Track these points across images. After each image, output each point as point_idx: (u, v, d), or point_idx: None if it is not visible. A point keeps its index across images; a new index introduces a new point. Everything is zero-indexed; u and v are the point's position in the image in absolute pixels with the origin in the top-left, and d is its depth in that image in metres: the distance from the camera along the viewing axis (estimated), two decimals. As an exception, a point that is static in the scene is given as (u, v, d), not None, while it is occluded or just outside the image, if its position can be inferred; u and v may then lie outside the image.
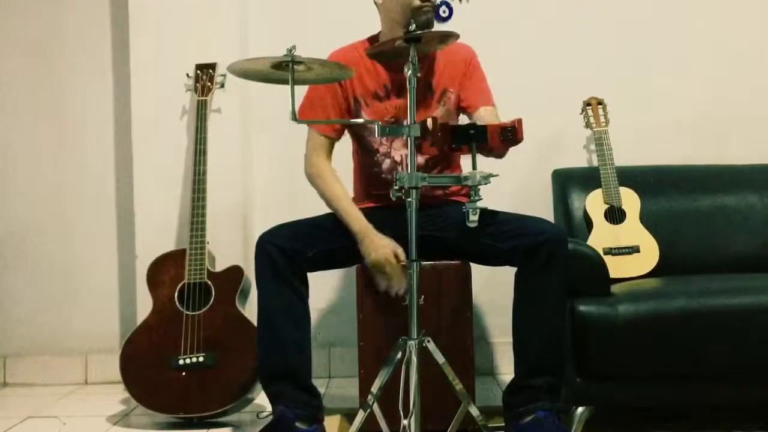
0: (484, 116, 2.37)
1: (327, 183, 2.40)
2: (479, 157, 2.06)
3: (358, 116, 2.43)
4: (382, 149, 2.45)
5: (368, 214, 2.36)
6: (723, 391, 2.31)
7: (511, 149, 2.24)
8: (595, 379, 2.28)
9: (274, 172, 3.27)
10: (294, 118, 1.94)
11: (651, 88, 3.25)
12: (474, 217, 1.98)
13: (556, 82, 3.22)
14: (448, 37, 2.02)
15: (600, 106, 3.05)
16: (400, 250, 2.24)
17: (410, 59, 1.95)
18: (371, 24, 2.49)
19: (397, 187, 1.96)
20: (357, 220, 2.33)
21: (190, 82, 3.02)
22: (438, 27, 3.19)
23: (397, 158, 2.43)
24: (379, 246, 2.27)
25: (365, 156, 2.49)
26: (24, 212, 3.33)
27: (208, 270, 2.72)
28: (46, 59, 3.32)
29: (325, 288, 3.23)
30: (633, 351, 2.24)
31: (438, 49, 2.28)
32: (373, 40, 2.49)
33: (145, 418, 2.70)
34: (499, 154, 2.34)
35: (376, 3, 2.45)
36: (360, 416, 2.03)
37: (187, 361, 2.61)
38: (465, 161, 2.43)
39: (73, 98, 3.32)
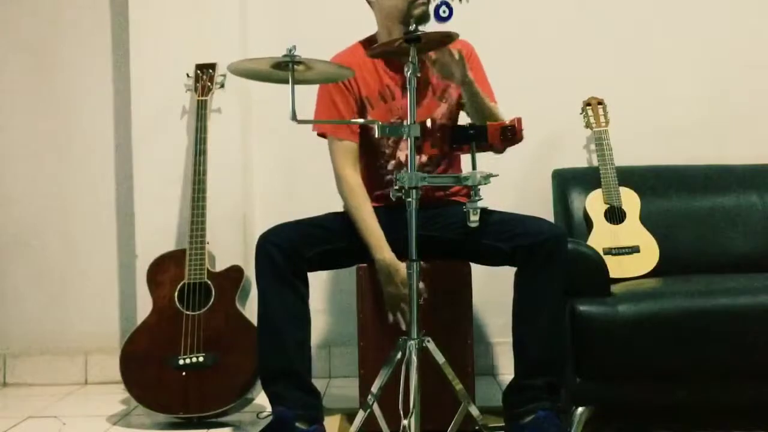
0: (476, 85, 2.32)
1: (357, 203, 2.35)
2: (479, 157, 2.07)
3: (363, 118, 2.42)
4: (388, 151, 2.45)
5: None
6: (723, 391, 2.31)
7: (511, 149, 2.24)
8: (595, 379, 2.28)
9: (274, 172, 3.27)
10: (294, 118, 1.94)
11: (651, 88, 3.25)
12: (475, 217, 1.98)
13: (556, 82, 3.22)
14: (448, 38, 2.02)
15: (600, 106, 3.05)
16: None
17: (410, 59, 1.95)
18: (371, 24, 2.49)
19: (397, 187, 1.96)
20: (382, 250, 2.29)
21: (190, 82, 3.02)
22: (438, 27, 3.18)
23: (403, 159, 2.42)
24: (401, 283, 2.26)
25: (371, 158, 2.48)
26: (24, 212, 3.33)
27: (208, 270, 2.72)
28: (46, 59, 3.32)
29: (325, 288, 3.23)
30: (633, 351, 2.24)
31: (438, 48, 2.28)
32: (369, 41, 2.48)
33: (145, 418, 2.70)
34: (498, 149, 2.34)
35: (369, 2, 2.45)
36: (360, 416, 2.03)
37: (187, 361, 2.61)
38: (465, 161, 2.43)
39: (73, 98, 3.32)
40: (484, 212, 2.01)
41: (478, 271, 2.42)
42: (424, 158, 2.43)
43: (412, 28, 2.01)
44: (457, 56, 2.19)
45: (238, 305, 2.71)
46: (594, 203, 2.86)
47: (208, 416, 2.61)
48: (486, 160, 2.13)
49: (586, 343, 2.26)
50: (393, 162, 2.45)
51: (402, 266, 2.25)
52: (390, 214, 2.30)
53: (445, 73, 2.25)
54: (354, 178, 2.39)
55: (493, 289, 2.75)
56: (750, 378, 2.29)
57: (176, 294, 2.70)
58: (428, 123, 2.12)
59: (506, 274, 2.28)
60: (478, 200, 1.99)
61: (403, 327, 2.26)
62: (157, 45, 3.06)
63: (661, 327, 2.24)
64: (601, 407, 2.34)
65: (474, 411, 2.04)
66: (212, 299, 2.69)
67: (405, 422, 1.94)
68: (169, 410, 2.61)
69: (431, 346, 1.99)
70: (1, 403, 3.04)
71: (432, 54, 2.19)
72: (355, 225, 2.34)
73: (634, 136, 3.15)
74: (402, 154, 2.43)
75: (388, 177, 2.42)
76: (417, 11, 2.32)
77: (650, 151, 3.13)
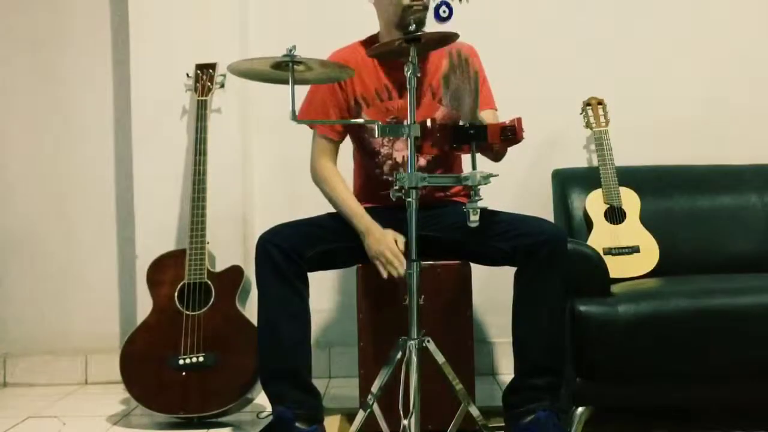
0: (484, 119, 2.33)
1: (332, 185, 2.41)
2: (479, 157, 2.07)
3: (358, 118, 2.42)
4: (384, 150, 2.45)
5: (369, 214, 2.36)
6: (723, 391, 2.31)
7: (511, 149, 2.24)
8: (595, 379, 2.28)
9: (274, 172, 3.27)
10: (294, 118, 1.94)
11: (651, 88, 3.25)
12: (475, 217, 1.98)
13: (556, 82, 3.22)
14: (448, 37, 2.02)
15: (600, 106, 3.05)
16: (400, 237, 2.26)
17: (410, 59, 1.95)
18: (371, 24, 2.49)
19: (397, 188, 1.96)
20: (362, 218, 2.34)
21: (190, 82, 3.02)
22: (438, 27, 3.20)
23: (399, 159, 2.43)
24: (381, 239, 2.28)
25: (366, 158, 2.49)
26: (24, 212, 3.33)
27: (208, 270, 2.72)
28: (46, 59, 3.32)
29: (325, 288, 3.23)
30: (633, 351, 2.24)
31: (437, 48, 2.28)
32: (370, 40, 2.48)
33: (145, 418, 2.70)
34: (497, 156, 2.34)
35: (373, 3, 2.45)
36: (360, 416, 2.03)
37: (187, 361, 2.61)
38: (465, 162, 2.43)
39: (73, 98, 3.32)
40: (485, 212, 2.00)
41: (478, 271, 2.42)
42: (422, 161, 2.43)
43: (411, 28, 2.01)
44: (473, 75, 2.09)
45: (238, 305, 2.71)
46: (594, 203, 2.86)
47: (208, 416, 2.61)
48: (486, 160, 2.13)
49: (586, 343, 2.26)
50: (389, 162, 2.45)
51: (377, 226, 2.30)
52: (390, 214, 2.30)
53: (454, 101, 2.14)
54: (328, 166, 2.44)
55: (493, 289, 2.75)
56: (750, 378, 2.29)
57: (176, 294, 2.70)
58: (428, 123, 2.11)
59: (506, 274, 2.28)
60: (478, 200, 1.99)
61: (395, 274, 2.24)
62: (157, 45, 3.06)
63: (661, 327, 2.24)
64: (601, 407, 2.34)
65: (474, 411, 2.04)
66: (212, 299, 2.69)
67: (405, 422, 1.94)
68: (169, 410, 2.61)
69: (431, 346, 1.99)
70: (1, 403, 3.04)
71: (445, 69, 2.09)
72: (333, 204, 2.38)
73: (634, 136, 3.15)
74: (399, 155, 2.43)
75: (385, 177, 2.43)
76: (413, 17, 2.33)
77: (650, 151, 3.14)
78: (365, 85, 2.42)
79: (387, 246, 2.27)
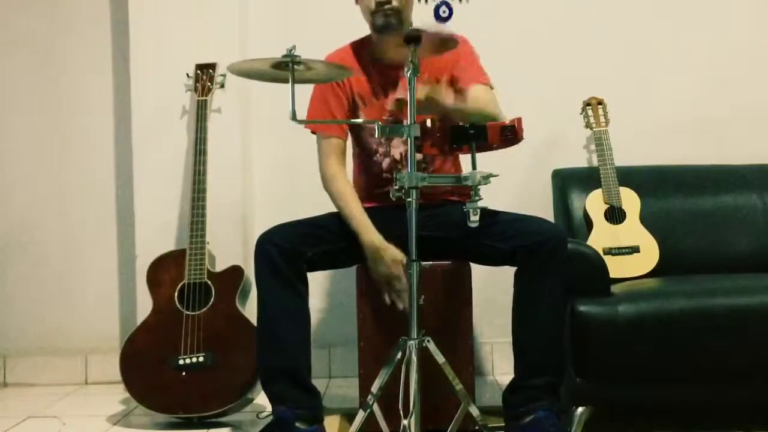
0: (476, 94, 2.28)
1: (341, 192, 2.38)
2: (479, 157, 2.06)
3: (356, 117, 2.43)
4: (381, 149, 2.45)
5: (369, 213, 2.36)
6: (723, 391, 2.31)
7: (511, 149, 2.24)
8: (595, 379, 2.28)
9: (274, 172, 3.27)
10: (294, 118, 1.94)
11: (651, 88, 3.25)
12: (475, 218, 1.98)
13: (556, 82, 3.22)
14: (448, 41, 2.02)
15: (600, 106, 3.05)
16: (402, 258, 2.24)
17: (410, 59, 1.95)
18: (371, 24, 2.49)
19: (396, 187, 1.96)
20: (368, 232, 2.31)
21: (190, 82, 3.02)
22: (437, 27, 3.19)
23: (397, 156, 2.43)
24: (390, 261, 2.26)
25: (365, 156, 2.49)
26: (24, 212, 3.33)
27: (208, 270, 2.72)
28: (47, 59, 3.32)
29: (325, 288, 3.23)
30: (633, 351, 2.25)
31: (438, 49, 2.28)
32: (362, 41, 2.49)
33: (145, 418, 2.70)
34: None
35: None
36: (360, 416, 2.03)
37: (187, 361, 2.61)
38: (465, 161, 2.43)
39: (74, 98, 3.32)
40: (484, 212, 2.00)
41: (478, 271, 2.42)
42: (419, 156, 2.42)
43: (414, 25, 2.01)
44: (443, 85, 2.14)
45: (238, 305, 2.71)
46: (594, 203, 2.86)
47: (208, 416, 2.61)
48: (486, 160, 2.12)
49: (586, 343, 2.26)
50: (387, 160, 2.45)
51: (389, 246, 2.26)
52: (390, 214, 2.29)
53: (432, 109, 2.13)
54: (337, 169, 2.41)
55: (493, 289, 2.75)
56: (750, 378, 2.30)
57: (176, 294, 2.70)
58: (428, 123, 2.11)
59: (506, 274, 2.28)
60: (478, 200, 1.99)
61: (400, 307, 2.26)
62: (157, 45, 3.06)
63: (661, 327, 2.24)
64: (601, 407, 2.34)
65: (474, 411, 2.03)
66: (212, 299, 2.69)
67: (405, 422, 1.94)
68: (169, 410, 2.61)
69: (431, 346, 1.98)
70: (1, 403, 3.04)
71: (422, 96, 2.08)
72: (340, 212, 2.36)
73: (634, 136, 3.15)
74: (396, 152, 2.43)
75: (384, 175, 2.43)
76: (379, 21, 2.34)
77: (650, 151, 3.14)
78: (361, 84, 2.43)
79: (398, 277, 2.25)
